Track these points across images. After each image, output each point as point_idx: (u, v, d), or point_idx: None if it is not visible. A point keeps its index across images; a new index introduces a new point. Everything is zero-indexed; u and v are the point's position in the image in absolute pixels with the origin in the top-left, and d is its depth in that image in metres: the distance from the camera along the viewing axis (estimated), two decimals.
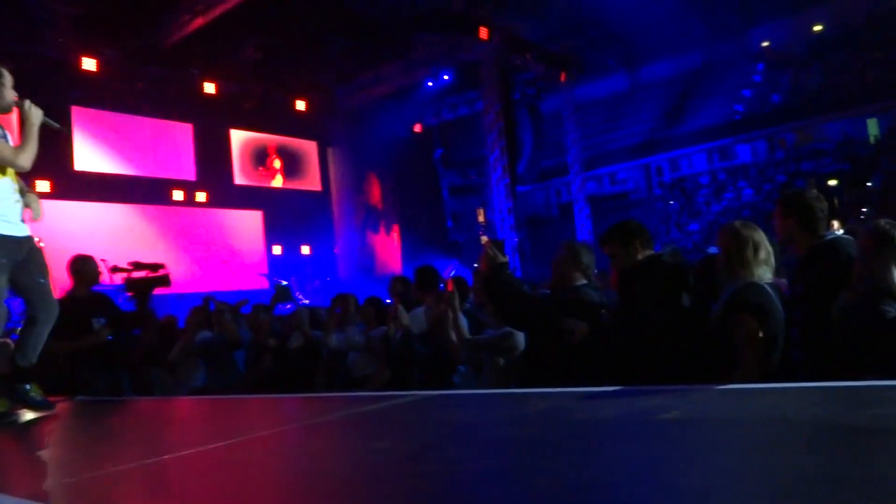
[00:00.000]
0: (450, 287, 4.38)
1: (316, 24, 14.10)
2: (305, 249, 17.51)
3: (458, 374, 4.50)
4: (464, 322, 4.36)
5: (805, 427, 1.81)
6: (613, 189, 25.73)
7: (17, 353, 3.47)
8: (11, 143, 3.47)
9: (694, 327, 3.07)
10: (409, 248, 18.56)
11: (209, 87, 15.23)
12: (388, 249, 19.38)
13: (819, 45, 24.15)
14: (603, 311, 3.52)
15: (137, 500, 1.64)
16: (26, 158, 3.40)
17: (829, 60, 23.22)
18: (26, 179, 3.65)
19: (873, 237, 2.66)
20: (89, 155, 13.98)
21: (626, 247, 3.34)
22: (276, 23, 13.69)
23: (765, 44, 26.01)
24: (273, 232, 17.14)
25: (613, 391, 2.62)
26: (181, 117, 15.73)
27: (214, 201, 16.19)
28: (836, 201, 15.24)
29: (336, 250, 18.52)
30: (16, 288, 3.47)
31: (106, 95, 13.96)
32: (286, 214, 17.24)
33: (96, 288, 5.44)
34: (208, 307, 5.97)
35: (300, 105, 17.15)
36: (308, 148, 18.62)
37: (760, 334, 2.82)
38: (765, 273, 2.99)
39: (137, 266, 7.42)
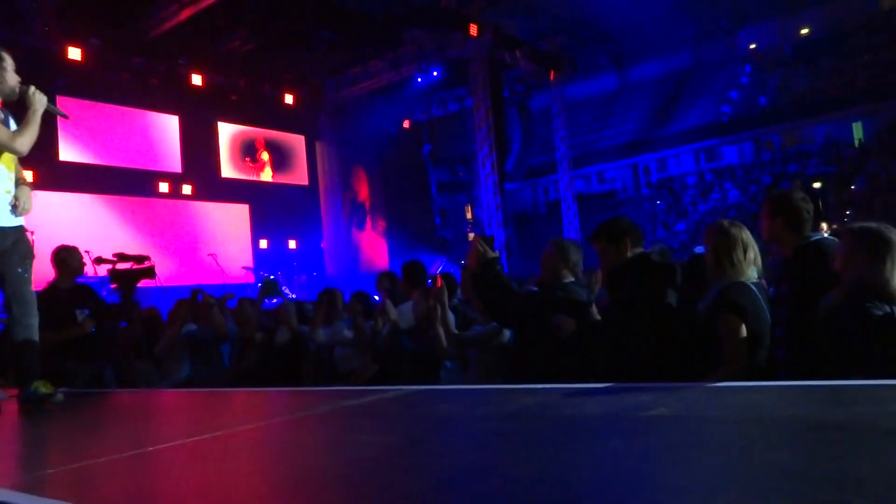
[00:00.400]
0: (438, 283, 4.38)
1: (305, 18, 14.02)
2: (292, 244, 17.46)
3: (444, 370, 4.50)
4: (451, 318, 4.36)
5: (787, 425, 1.83)
6: (601, 188, 25.85)
7: (17, 354, 3.43)
8: (12, 128, 3.43)
9: (680, 325, 3.09)
10: (397, 244, 18.55)
11: (196, 79, 15.10)
12: (375, 245, 19.35)
13: (806, 48, 24.36)
14: (591, 308, 3.53)
15: (120, 491, 1.63)
16: (23, 143, 3.36)
17: (816, 64, 23.43)
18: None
19: (859, 237, 2.68)
20: (74, 145, 13.85)
21: (615, 244, 3.34)
22: (265, 15, 13.60)
23: (752, 46, 26.21)
24: (260, 226, 17.07)
25: (600, 388, 2.63)
26: (167, 108, 15.61)
27: (200, 194, 16.09)
28: (820, 203, 15.38)
29: (323, 245, 18.48)
30: None
31: (91, 85, 13.82)
32: (273, 208, 17.18)
33: (80, 279, 5.39)
34: (195, 300, 5.93)
35: (288, 99, 17.07)
36: (296, 142, 18.55)
37: (745, 334, 2.84)
38: (752, 273, 3.01)
39: (122, 258, 7.38)
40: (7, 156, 3.44)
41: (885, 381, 2.21)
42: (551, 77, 17.94)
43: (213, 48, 14.59)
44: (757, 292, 2.96)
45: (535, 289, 4.22)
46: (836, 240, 3.06)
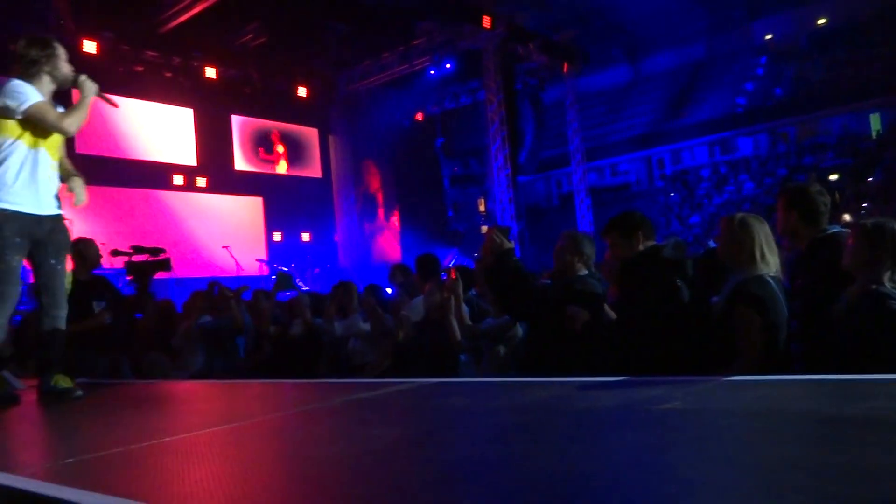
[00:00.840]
0: (452, 275, 4.38)
1: (317, 11, 14.03)
2: (306, 236, 17.52)
3: (459, 363, 4.50)
4: (465, 310, 4.37)
5: (801, 418, 1.82)
6: (614, 180, 25.71)
7: (41, 345, 3.44)
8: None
9: (692, 319, 3.08)
10: (410, 237, 18.56)
11: (210, 72, 15.17)
12: (388, 238, 19.38)
13: (822, 38, 24.07)
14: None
15: (140, 480, 1.65)
16: (70, 123, 3.39)
17: (833, 54, 23.15)
18: None
19: (876, 232, 2.67)
20: (90, 138, 13.94)
21: (627, 237, 3.34)
22: (278, 8, 13.62)
23: (768, 37, 25.93)
24: (273, 218, 17.14)
25: (614, 381, 2.63)
26: (182, 102, 15.68)
27: (214, 187, 16.18)
28: (837, 196, 15.24)
29: (336, 238, 18.53)
30: (32, 266, 3.45)
31: (106, 78, 13.82)
32: (287, 201, 17.24)
33: (96, 271, 5.44)
34: (212, 292, 5.98)
35: (301, 92, 17.10)
36: (310, 134, 18.59)
37: (761, 327, 2.83)
38: (769, 266, 3.00)
39: (138, 250, 7.44)
40: (51, 142, 3.45)
41: None
42: (564, 69, 17.84)
43: (226, 41, 14.64)
44: (774, 285, 2.95)
45: (548, 282, 4.22)
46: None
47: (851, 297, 2.65)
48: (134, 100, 14.81)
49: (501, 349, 4.17)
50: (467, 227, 21.12)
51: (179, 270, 11.22)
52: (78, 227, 7.49)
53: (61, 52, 3.51)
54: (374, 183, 19.46)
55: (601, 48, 22.07)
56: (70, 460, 1.94)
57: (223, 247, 14.58)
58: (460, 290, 4.31)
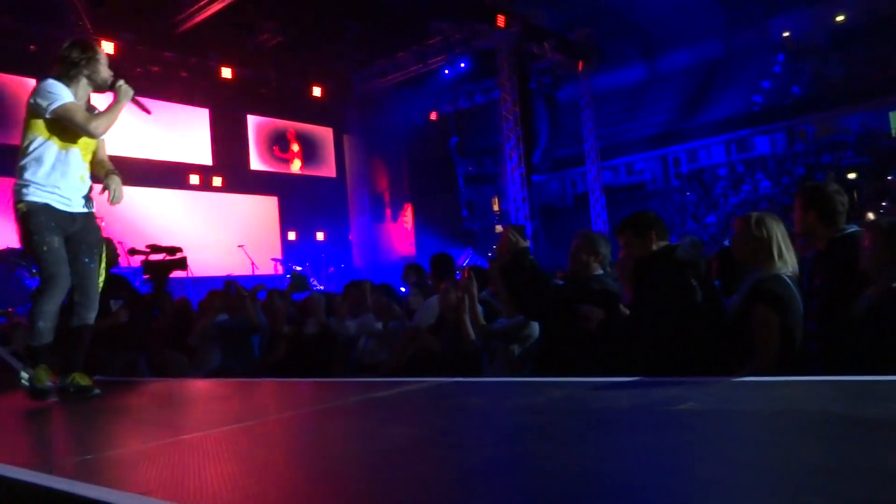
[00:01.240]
0: (466, 274, 4.38)
1: (332, 10, 14.07)
2: (320, 236, 17.58)
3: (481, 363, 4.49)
4: (480, 310, 4.36)
5: (818, 419, 1.80)
6: (630, 179, 25.54)
7: (66, 344, 3.43)
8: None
9: (706, 319, 3.06)
10: (424, 236, 18.58)
11: (226, 72, 15.27)
12: (402, 237, 19.41)
13: (841, 35, 23.77)
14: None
15: (153, 479, 1.67)
16: (98, 125, 3.41)
17: (851, 52, 22.87)
18: None
19: (892, 231, 2.64)
20: (106, 137, 14.03)
21: (641, 236, 3.33)
22: (293, 8, 13.67)
23: (785, 34, 25.64)
24: (288, 218, 17.22)
25: (629, 381, 2.62)
26: (198, 102, 15.79)
27: (230, 186, 16.29)
28: (855, 195, 15.07)
29: (351, 237, 18.59)
30: None
31: (123, 79, 13.97)
32: (301, 200, 17.32)
33: (114, 270, 5.49)
34: (229, 291, 6.01)
35: (316, 91, 17.16)
36: (324, 134, 18.66)
37: (778, 326, 2.81)
38: (787, 265, 2.98)
39: (155, 249, 7.51)
40: (83, 143, 3.48)
41: None
42: (579, 68, 17.78)
43: (242, 42, 14.71)
44: (792, 285, 2.93)
45: (562, 282, 4.21)
46: None
47: (871, 296, 2.62)
48: (151, 100, 14.88)
49: (516, 349, 4.16)
50: (481, 226, 21.08)
51: (195, 269, 11.30)
52: None
53: (102, 57, 3.55)
54: (389, 182, 19.49)
55: (617, 46, 21.92)
56: (88, 457, 1.96)
57: (238, 246, 14.66)
58: (475, 290, 4.31)
